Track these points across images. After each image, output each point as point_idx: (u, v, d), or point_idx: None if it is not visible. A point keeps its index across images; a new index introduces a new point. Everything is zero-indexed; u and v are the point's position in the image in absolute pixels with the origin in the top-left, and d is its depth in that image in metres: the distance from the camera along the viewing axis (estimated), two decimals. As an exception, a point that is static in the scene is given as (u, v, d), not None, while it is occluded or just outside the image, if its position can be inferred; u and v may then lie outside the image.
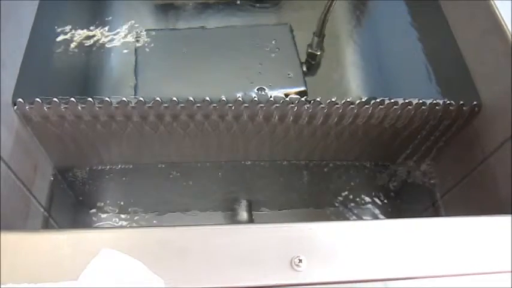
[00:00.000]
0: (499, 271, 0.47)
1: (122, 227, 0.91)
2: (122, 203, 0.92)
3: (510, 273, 0.47)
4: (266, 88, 0.68)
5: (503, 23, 0.65)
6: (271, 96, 0.68)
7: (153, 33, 0.75)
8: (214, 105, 0.68)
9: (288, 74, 0.71)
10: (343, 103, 0.68)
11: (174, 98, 0.66)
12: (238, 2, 0.81)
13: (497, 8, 0.66)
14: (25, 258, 0.45)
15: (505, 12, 0.66)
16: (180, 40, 0.75)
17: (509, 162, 0.65)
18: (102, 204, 0.92)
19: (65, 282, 0.43)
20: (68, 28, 0.74)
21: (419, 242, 0.48)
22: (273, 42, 0.74)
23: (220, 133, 0.74)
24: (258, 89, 0.68)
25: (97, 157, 0.79)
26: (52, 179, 0.79)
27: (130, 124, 0.70)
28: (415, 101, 0.69)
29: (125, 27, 0.76)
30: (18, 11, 0.69)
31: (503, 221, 0.50)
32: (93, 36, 0.74)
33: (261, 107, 0.68)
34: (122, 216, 0.94)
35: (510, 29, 0.64)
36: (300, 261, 0.46)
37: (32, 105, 0.65)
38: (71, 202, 0.88)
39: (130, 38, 0.74)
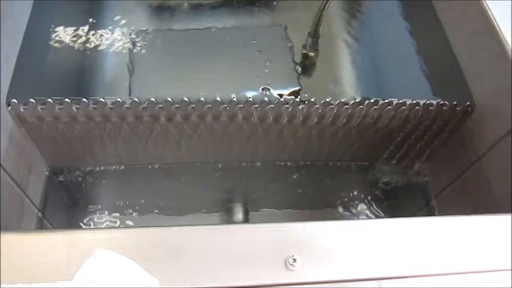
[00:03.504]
0: (499, 269, 0.47)
1: (116, 227, 0.90)
2: (116, 204, 0.92)
3: (510, 271, 0.47)
4: (270, 88, 0.69)
5: (495, 23, 0.65)
6: (265, 97, 0.68)
7: (148, 33, 0.75)
8: (209, 105, 0.68)
9: (283, 75, 0.71)
10: (338, 103, 0.69)
11: (169, 99, 0.67)
12: (233, 3, 0.81)
13: (489, 8, 0.67)
14: (20, 259, 0.45)
15: (497, 13, 0.66)
16: (175, 41, 0.75)
17: (503, 162, 0.66)
18: (97, 204, 0.92)
19: (59, 282, 0.43)
20: (62, 29, 0.74)
21: (415, 241, 0.48)
22: (268, 43, 0.74)
23: (215, 133, 0.74)
24: (262, 89, 0.69)
25: (91, 158, 0.79)
26: (46, 179, 0.79)
27: (125, 125, 0.70)
28: (408, 102, 0.69)
29: (120, 27, 0.75)
30: (12, 11, 0.68)
31: (503, 219, 0.50)
32: (88, 36, 0.74)
33: (256, 107, 0.68)
34: (117, 216, 0.93)
35: (502, 30, 0.65)
36: (294, 260, 0.46)
37: (26, 106, 0.65)
38: (65, 203, 0.88)
39: (125, 39, 0.74)
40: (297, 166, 0.85)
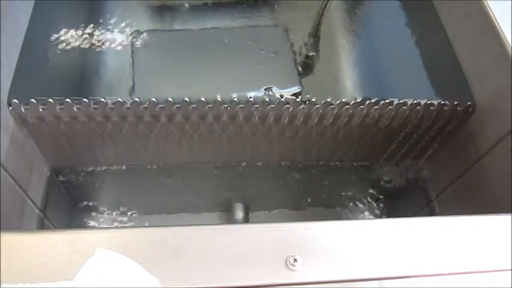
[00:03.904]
0: (499, 269, 0.47)
1: (117, 227, 0.91)
2: (117, 204, 0.92)
3: (510, 272, 0.47)
4: (271, 88, 0.69)
5: (496, 23, 0.65)
6: (266, 97, 0.68)
7: (149, 34, 0.75)
8: (210, 105, 0.68)
9: (284, 75, 0.71)
10: (338, 103, 0.68)
11: (170, 99, 0.67)
12: (234, 3, 0.81)
13: (490, 8, 0.67)
14: (21, 259, 0.45)
15: (498, 13, 0.66)
16: (176, 41, 0.75)
17: (504, 162, 0.66)
18: (98, 204, 0.92)
19: (60, 282, 0.43)
20: (63, 28, 0.74)
21: (416, 241, 0.48)
22: (269, 43, 0.74)
23: (215, 134, 0.74)
24: (263, 89, 0.69)
25: (92, 158, 0.79)
26: (47, 179, 0.79)
27: (126, 125, 0.70)
28: (409, 102, 0.69)
29: (121, 27, 0.76)
30: (13, 10, 0.68)
31: (503, 219, 0.50)
32: (89, 36, 0.74)
33: (257, 107, 0.68)
34: (117, 216, 0.93)
35: (503, 30, 0.65)
36: (295, 260, 0.46)
37: (27, 106, 0.65)
38: (66, 203, 0.88)
39: (126, 39, 0.74)
40: (298, 166, 0.85)
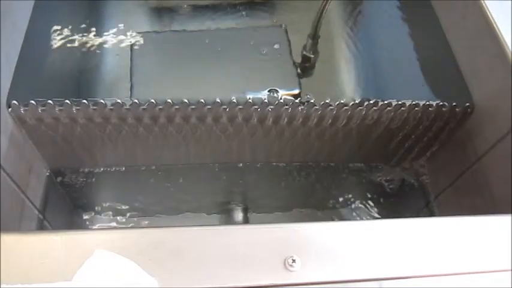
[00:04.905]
0: (499, 270, 0.47)
1: (116, 228, 0.91)
2: (116, 205, 0.92)
3: (510, 272, 0.47)
4: (271, 89, 0.69)
5: (494, 24, 0.65)
6: (265, 98, 0.68)
7: (149, 35, 0.75)
8: (209, 107, 0.68)
9: (283, 76, 0.71)
10: (337, 105, 0.69)
11: (169, 100, 0.67)
12: (233, 4, 0.81)
13: (488, 9, 0.67)
14: (19, 259, 0.45)
15: (496, 14, 0.66)
16: (175, 42, 0.75)
17: (502, 162, 0.66)
18: (97, 205, 0.92)
19: (59, 282, 0.43)
20: (63, 30, 0.74)
21: (415, 241, 0.48)
22: (268, 45, 0.74)
23: (214, 135, 0.74)
24: (262, 90, 0.69)
25: (91, 159, 0.79)
26: (46, 181, 0.79)
27: (125, 126, 0.70)
28: (408, 103, 0.69)
29: (120, 29, 0.76)
30: (13, 12, 0.69)
31: (503, 220, 0.50)
32: (88, 38, 0.74)
33: (256, 109, 0.68)
34: (116, 217, 0.93)
35: (501, 30, 0.65)
36: (294, 261, 0.46)
37: (26, 108, 0.65)
38: (65, 204, 0.88)
39: (125, 40, 0.74)
40: (296, 167, 0.86)
